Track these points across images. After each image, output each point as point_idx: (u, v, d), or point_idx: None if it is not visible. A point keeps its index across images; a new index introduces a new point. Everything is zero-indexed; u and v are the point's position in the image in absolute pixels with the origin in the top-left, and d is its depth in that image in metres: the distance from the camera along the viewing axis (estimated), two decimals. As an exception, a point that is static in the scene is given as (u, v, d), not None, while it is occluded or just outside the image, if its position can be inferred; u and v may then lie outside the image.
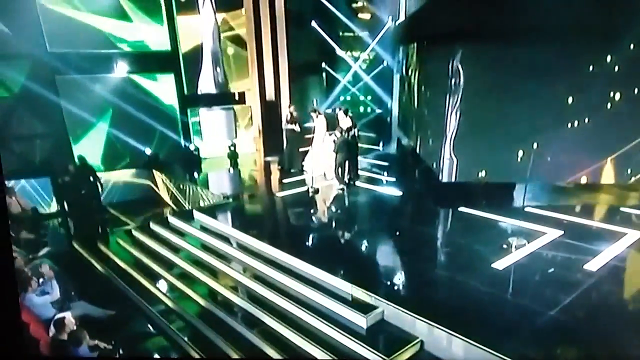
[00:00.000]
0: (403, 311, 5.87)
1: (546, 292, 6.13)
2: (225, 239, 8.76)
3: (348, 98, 18.74)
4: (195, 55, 14.43)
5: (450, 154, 9.61)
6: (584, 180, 9.46)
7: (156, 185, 13.36)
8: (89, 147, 12.81)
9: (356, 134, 11.75)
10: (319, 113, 12.60)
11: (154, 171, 13.51)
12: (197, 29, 14.39)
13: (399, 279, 6.95)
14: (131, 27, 13.42)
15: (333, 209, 10.25)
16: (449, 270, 6.86)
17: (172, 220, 9.98)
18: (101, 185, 12.20)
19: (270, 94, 15.82)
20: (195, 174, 13.66)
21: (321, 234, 8.88)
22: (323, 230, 9.05)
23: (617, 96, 8.91)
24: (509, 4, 8.42)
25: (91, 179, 12.02)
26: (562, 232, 7.92)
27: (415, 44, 12.66)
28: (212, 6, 14.30)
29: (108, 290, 8.50)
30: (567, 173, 9.47)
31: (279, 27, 15.57)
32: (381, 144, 16.53)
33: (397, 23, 15.51)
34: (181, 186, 12.29)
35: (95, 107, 13.11)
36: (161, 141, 14.09)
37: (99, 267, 9.27)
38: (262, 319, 6.59)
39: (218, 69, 14.50)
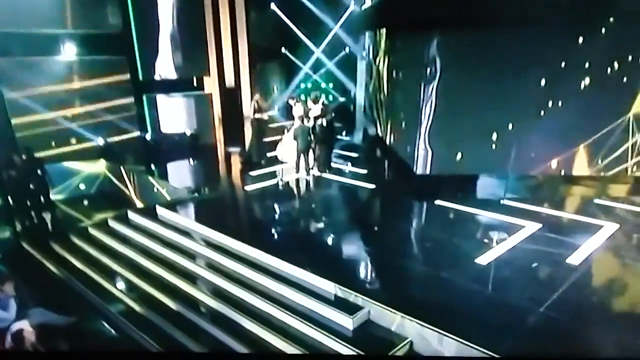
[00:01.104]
0: (390, 311, 5.86)
1: (533, 288, 6.23)
2: (194, 237, 8.49)
3: (309, 85, 18.54)
4: (151, 37, 13.90)
5: (425, 145, 9.66)
6: (557, 170, 9.75)
7: (110, 179, 12.83)
8: (35, 138, 12.10)
9: (326, 123, 11.63)
10: (297, 101, 12.38)
11: (107, 163, 12.96)
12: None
13: (382, 277, 6.90)
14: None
15: (306, 203, 10.13)
16: (433, 267, 6.84)
17: (133, 217, 9.59)
18: (49, 179, 11.63)
19: (230, 81, 15.47)
20: (153, 166, 13.19)
21: (297, 229, 8.73)
22: (299, 226, 8.91)
23: (588, 83, 9.22)
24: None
25: (39, 172, 11.43)
26: (540, 225, 8.12)
27: (385, 30, 12.63)
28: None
29: (66, 294, 8.09)
30: (542, 163, 9.72)
31: (238, 9, 15.23)
32: (344, 133, 16.48)
33: (362, 7, 15.40)
34: (138, 179, 11.85)
35: (40, 93, 12.42)
36: (114, 130, 13.46)
37: (53, 269, 8.82)
38: (241, 322, 6.41)
39: (177, 52, 13.99)
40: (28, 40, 12.12)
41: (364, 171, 11.87)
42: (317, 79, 18.39)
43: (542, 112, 9.35)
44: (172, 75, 14.24)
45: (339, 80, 17.86)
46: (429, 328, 5.47)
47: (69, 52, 12.86)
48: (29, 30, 12.11)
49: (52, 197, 11.66)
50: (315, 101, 11.85)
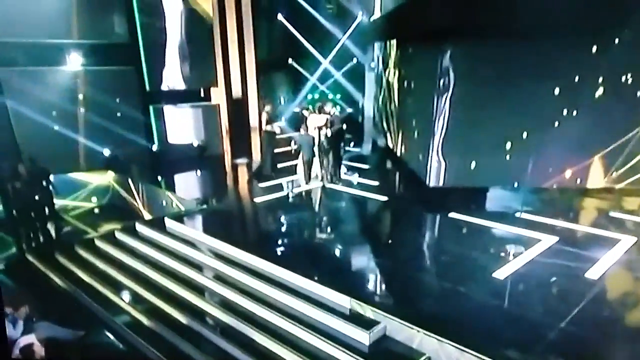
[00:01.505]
0: (407, 326, 5.78)
1: (552, 303, 6.17)
2: (204, 249, 8.42)
3: (316, 96, 18.55)
4: (158, 47, 13.90)
5: (438, 156, 9.62)
6: (572, 182, 9.69)
7: (117, 190, 12.77)
8: (40, 148, 12.03)
9: (332, 133, 11.62)
10: (312, 111, 12.37)
11: (114, 174, 12.92)
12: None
13: (398, 291, 6.81)
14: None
15: (319, 215, 10.09)
16: (450, 281, 6.76)
17: (141, 228, 9.53)
18: (55, 190, 11.58)
19: (237, 92, 15.47)
20: (159, 177, 13.15)
21: (310, 242, 8.67)
22: (311, 239, 8.85)
23: (603, 93, 9.17)
24: (500, 2, 8.50)
25: (44, 183, 11.38)
26: (557, 239, 8.04)
27: (396, 41, 12.65)
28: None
29: (73, 307, 7.98)
30: (556, 174, 9.67)
31: (245, 19, 15.26)
32: (352, 144, 16.42)
33: (371, 19, 15.46)
34: (146, 191, 11.80)
35: (46, 103, 12.37)
36: (121, 141, 13.39)
37: (59, 281, 8.73)
38: (254, 337, 6.32)
39: (185, 63, 14.01)
40: (32, 51, 12.13)
41: (375, 183, 11.80)
42: (324, 89, 18.40)
43: (557, 123, 9.30)
44: (180, 86, 14.22)
45: (347, 91, 17.87)
46: (447, 343, 5.37)
47: (74, 62, 12.86)
48: (34, 40, 12.12)
49: (58, 208, 11.61)
50: (320, 111, 11.91)
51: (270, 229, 9.57)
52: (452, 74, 9.14)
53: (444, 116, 9.37)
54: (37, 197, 11.21)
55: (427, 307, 6.33)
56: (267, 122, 12.46)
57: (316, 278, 6.86)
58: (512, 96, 9.16)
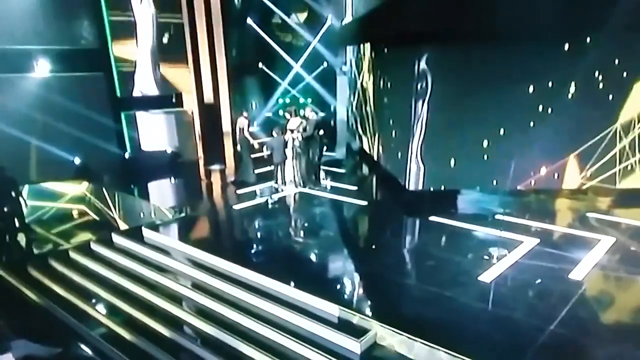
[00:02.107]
0: (398, 332, 5.77)
1: (540, 305, 6.25)
2: (186, 260, 8.26)
3: (287, 100, 18.43)
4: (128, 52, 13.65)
5: (417, 160, 9.66)
6: (548, 182, 9.85)
7: (90, 200, 12.45)
8: (8, 158, 11.61)
9: (304, 137, 11.72)
10: (294, 115, 12.34)
11: (87, 184, 12.60)
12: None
13: (386, 297, 6.79)
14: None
15: (300, 221, 10.02)
16: (437, 286, 6.76)
17: (117, 239, 9.30)
18: (24, 200, 11.25)
19: (208, 97, 15.30)
20: (133, 186, 12.86)
21: (292, 249, 8.56)
22: (294, 246, 8.74)
23: (576, 93, 9.35)
24: (475, 6, 8.57)
25: (12, 194, 11.05)
26: (538, 240, 8.16)
27: (370, 45, 12.68)
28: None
29: (49, 322, 7.72)
30: (533, 176, 9.81)
31: (215, 24, 15.13)
32: (325, 148, 16.39)
33: (343, 22, 15.47)
34: (120, 200, 11.53)
35: (13, 112, 11.99)
36: (92, 149, 13.04)
37: (33, 296, 8.44)
38: (240, 348, 6.21)
39: (157, 68, 13.76)
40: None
41: (354, 187, 11.82)
42: (295, 94, 18.28)
43: (532, 124, 9.44)
44: (151, 91, 13.96)
45: (319, 94, 17.77)
46: (438, 349, 5.38)
47: (42, 68, 12.50)
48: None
49: (28, 219, 11.29)
50: (293, 114, 12.00)
51: (252, 236, 9.43)
52: (429, 78, 9.17)
53: (422, 120, 9.40)
54: (5, 209, 10.90)
55: (416, 312, 6.30)
56: (242, 130, 12.30)
57: (302, 286, 6.79)
58: (489, 98, 9.22)
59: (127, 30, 13.57)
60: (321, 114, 17.94)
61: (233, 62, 15.34)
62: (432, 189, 9.84)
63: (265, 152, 12.14)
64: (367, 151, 13.69)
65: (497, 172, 9.60)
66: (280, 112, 17.50)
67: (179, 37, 14.59)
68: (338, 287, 7.05)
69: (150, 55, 13.72)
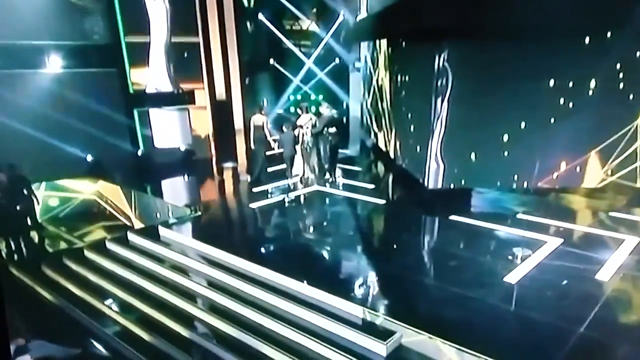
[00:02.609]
0: (424, 334, 5.70)
1: (568, 307, 6.15)
2: (205, 259, 8.19)
3: (299, 97, 18.36)
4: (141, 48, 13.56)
5: (437, 158, 9.58)
6: (570, 180, 9.75)
7: (103, 197, 12.43)
8: (19, 156, 11.58)
9: (312, 132, 11.91)
10: (305, 111, 12.35)
11: (100, 181, 12.58)
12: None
13: (411, 298, 6.72)
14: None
15: (319, 221, 9.90)
16: (462, 287, 6.69)
17: (133, 238, 9.27)
18: (37, 198, 11.23)
19: (220, 93, 15.21)
20: (145, 183, 12.83)
21: (316, 251, 8.46)
22: (317, 247, 8.61)
23: (597, 90, 9.22)
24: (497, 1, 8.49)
25: (25, 191, 11.03)
26: (561, 240, 8.08)
27: (386, 41, 12.59)
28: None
29: (65, 323, 7.69)
30: (554, 173, 9.71)
31: (228, 19, 15.02)
32: (337, 146, 16.31)
33: (357, 18, 15.38)
34: (135, 198, 11.51)
35: (25, 108, 11.96)
36: (104, 147, 13.03)
37: (48, 296, 8.42)
38: (262, 350, 6.16)
39: (171, 64, 13.69)
40: (8, 53, 11.74)
41: (370, 185, 11.76)
42: (307, 90, 18.20)
43: (553, 120, 9.34)
44: (166, 88, 13.92)
45: (331, 91, 17.67)
46: (467, 352, 5.32)
47: (53, 64, 12.48)
48: (8, 41, 11.74)
49: (41, 218, 11.28)
50: (304, 110, 12.08)
51: (270, 235, 9.34)
52: (449, 74, 9.09)
53: (442, 117, 9.32)
54: (18, 207, 10.89)
55: (442, 314, 6.22)
56: (259, 128, 12.22)
57: (324, 287, 6.73)
58: (510, 95, 9.14)
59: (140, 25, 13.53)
60: (334, 112, 17.91)
61: (244, 59, 15.22)
62: (452, 186, 9.76)
63: (277, 150, 12.14)
64: (383, 148, 13.62)
65: (517, 169, 9.51)
66: (292, 109, 17.48)
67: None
68: (361, 287, 6.98)
69: (164, 52, 13.63)
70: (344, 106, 17.40)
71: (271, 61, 17.79)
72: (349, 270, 7.69)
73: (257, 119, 12.26)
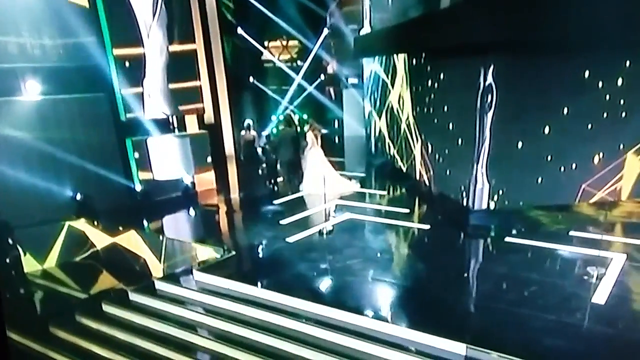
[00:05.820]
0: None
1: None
2: (257, 304, 8.02)
3: (281, 117, 18.50)
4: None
5: (482, 178, 9.97)
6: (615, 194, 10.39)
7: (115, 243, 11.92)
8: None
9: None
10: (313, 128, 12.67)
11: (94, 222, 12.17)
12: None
13: (505, 329, 6.82)
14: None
15: (371, 253, 9.70)
16: (553, 313, 6.91)
17: (161, 286, 9.07)
18: (22, 248, 10.81)
19: (208, 117, 15.16)
20: (145, 222, 12.52)
21: (384, 286, 8.40)
22: (383, 282, 8.51)
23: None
24: (541, 16, 8.83)
25: (10, 241, 10.59)
26: (625, 256, 8.54)
27: (406, 56, 12.90)
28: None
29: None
30: (599, 189, 10.34)
31: (213, 36, 15.07)
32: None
33: (360, 32, 15.73)
34: (147, 240, 11.18)
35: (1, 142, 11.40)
36: (95, 182, 12.61)
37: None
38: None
39: (167, 89, 13.38)
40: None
41: (404, 210, 12.05)
42: (293, 109, 18.37)
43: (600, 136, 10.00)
44: (163, 112, 13.68)
45: (322, 108, 17.91)
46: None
47: (31, 90, 11.97)
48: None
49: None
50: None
51: (331, 274, 8.90)
52: (494, 90, 9.51)
53: (487, 134, 9.72)
54: (7, 260, 10.45)
55: (546, 344, 6.35)
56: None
57: (415, 326, 6.82)
58: (557, 111, 9.76)
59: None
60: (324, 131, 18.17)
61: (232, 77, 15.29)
62: (496, 207, 10.18)
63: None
64: (403, 169, 13.95)
65: (567, 186, 10.11)
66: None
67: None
68: (453, 322, 7.06)
69: (161, 68, 13.26)
70: (335, 124, 17.66)
71: (251, 79, 17.91)
72: (431, 305, 7.72)
73: (248, 136, 12.78)
